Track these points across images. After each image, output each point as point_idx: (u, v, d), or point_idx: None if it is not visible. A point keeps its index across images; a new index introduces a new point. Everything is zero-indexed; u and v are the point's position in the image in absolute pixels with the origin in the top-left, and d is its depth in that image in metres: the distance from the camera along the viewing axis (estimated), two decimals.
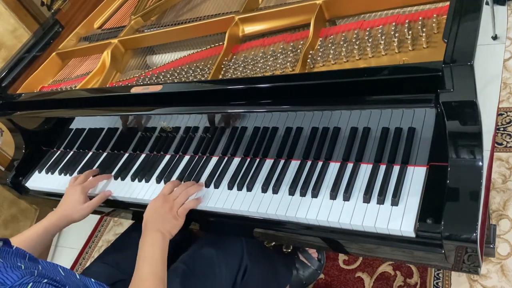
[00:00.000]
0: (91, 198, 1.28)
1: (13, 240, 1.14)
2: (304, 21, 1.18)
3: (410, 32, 0.97)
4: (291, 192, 1.05)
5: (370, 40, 1.01)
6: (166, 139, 1.29)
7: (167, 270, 1.16)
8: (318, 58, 1.06)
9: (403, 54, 0.97)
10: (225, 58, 1.20)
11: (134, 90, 1.16)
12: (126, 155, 1.40)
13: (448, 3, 0.88)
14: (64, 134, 1.51)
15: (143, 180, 1.29)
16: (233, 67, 1.18)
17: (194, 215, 1.16)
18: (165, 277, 0.99)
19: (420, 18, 1.00)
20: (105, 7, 1.74)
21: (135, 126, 1.32)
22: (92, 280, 0.84)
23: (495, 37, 1.05)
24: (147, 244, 1.04)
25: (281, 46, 1.16)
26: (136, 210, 1.29)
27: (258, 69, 1.13)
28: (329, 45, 1.07)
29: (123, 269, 1.25)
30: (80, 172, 1.43)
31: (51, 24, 1.69)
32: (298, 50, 1.11)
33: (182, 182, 1.21)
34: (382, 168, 0.99)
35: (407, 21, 1.00)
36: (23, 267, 0.72)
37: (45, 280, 0.71)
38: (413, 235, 0.88)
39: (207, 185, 1.17)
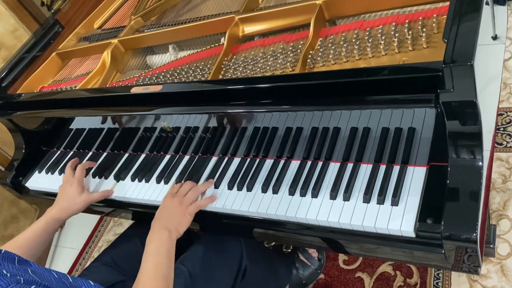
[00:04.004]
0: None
1: (16, 240, 1.13)
2: (304, 21, 1.18)
3: (410, 32, 0.97)
4: (291, 192, 1.05)
5: (370, 40, 1.01)
6: (166, 139, 1.29)
7: None
8: (318, 58, 1.06)
9: (403, 54, 0.97)
10: (225, 58, 1.20)
11: (134, 90, 1.16)
12: (126, 155, 1.40)
13: (448, 3, 0.88)
14: (64, 134, 1.51)
15: (143, 180, 1.29)
16: (233, 67, 1.18)
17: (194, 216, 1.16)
18: (171, 276, 0.98)
19: (420, 18, 1.00)
20: (105, 7, 1.74)
21: (135, 126, 1.32)
22: (91, 282, 0.83)
23: (495, 37, 1.05)
24: (153, 241, 1.02)
25: (281, 46, 1.16)
26: (136, 210, 1.29)
27: (258, 69, 1.13)
28: (329, 45, 1.07)
29: (123, 269, 1.25)
30: None
31: (51, 24, 1.69)
32: (298, 50, 1.11)
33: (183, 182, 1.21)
34: (382, 168, 0.99)
35: (407, 21, 1.00)
36: (8, 275, 0.70)
37: (33, 286, 0.69)
38: (413, 235, 0.88)
39: None
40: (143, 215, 1.26)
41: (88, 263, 2.08)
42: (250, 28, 1.27)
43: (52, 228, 1.20)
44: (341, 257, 1.66)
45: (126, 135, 1.37)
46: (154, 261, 0.98)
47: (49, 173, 1.52)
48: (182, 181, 1.21)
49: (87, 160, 1.46)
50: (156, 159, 1.32)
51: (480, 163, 0.83)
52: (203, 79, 1.20)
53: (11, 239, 1.15)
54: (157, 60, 1.45)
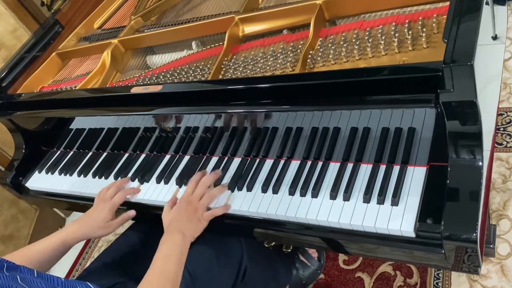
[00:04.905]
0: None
1: (30, 248, 1.07)
2: (304, 21, 1.18)
3: (410, 32, 0.97)
4: (291, 192, 1.05)
5: (370, 40, 1.01)
6: (166, 139, 1.29)
7: None
8: (318, 58, 1.06)
9: (403, 54, 0.97)
10: (225, 58, 1.20)
11: (134, 90, 1.16)
12: (126, 155, 1.40)
13: (448, 3, 0.88)
14: (64, 134, 1.51)
15: (143, 180, 1.28)
16: (233, 67, 1.18)
17: None
18: (178, 280, 0.96)
19: (420, 18, 1.00)
20: (105, 7, 1.74)
21: (135, 126, 1.32)
22: (89, 284, 0.82)
23: (495, 37, 1.05)
24: (166, 243, 1.02)
25: (281, 46, 1.16)
26: (136, 210, 1.29)
27: (258, 69, 1.13)
28: (329, 45, 1.07)
29: (123, 269, 1.25)
30: (80, 172, 1.43)
31: (51, 24, 1.69)
32: (298, 50, 1.11)
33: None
34: (382, 168, 0.99)
35: (407, 21, 1.00)
36: None
37: None
38: (413, 235, 0.88)
39: None
40: (143, 215, 1.26)
41: (88, 263, 2.08)
42: (250, 28, 1.27)
43: (69, 245, 1.14)
44: (341, 257, 1.66)
45: (126, 135, 1.37)
46: (164, 263, 0.97)
47: (49, 173, 1.52)
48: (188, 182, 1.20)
49: (86, 161, 1.46)
50: (156, 159, 1.32)
51: (480, 163, 0.83)
52: (203, 79, 1.20)
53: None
54: (157, 60, 1.45)
